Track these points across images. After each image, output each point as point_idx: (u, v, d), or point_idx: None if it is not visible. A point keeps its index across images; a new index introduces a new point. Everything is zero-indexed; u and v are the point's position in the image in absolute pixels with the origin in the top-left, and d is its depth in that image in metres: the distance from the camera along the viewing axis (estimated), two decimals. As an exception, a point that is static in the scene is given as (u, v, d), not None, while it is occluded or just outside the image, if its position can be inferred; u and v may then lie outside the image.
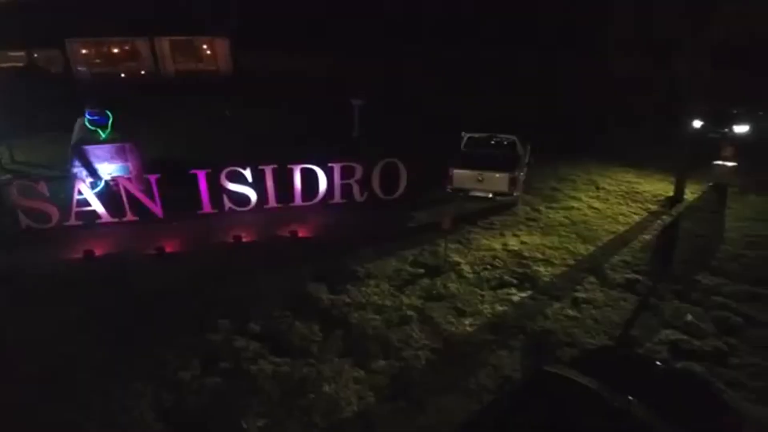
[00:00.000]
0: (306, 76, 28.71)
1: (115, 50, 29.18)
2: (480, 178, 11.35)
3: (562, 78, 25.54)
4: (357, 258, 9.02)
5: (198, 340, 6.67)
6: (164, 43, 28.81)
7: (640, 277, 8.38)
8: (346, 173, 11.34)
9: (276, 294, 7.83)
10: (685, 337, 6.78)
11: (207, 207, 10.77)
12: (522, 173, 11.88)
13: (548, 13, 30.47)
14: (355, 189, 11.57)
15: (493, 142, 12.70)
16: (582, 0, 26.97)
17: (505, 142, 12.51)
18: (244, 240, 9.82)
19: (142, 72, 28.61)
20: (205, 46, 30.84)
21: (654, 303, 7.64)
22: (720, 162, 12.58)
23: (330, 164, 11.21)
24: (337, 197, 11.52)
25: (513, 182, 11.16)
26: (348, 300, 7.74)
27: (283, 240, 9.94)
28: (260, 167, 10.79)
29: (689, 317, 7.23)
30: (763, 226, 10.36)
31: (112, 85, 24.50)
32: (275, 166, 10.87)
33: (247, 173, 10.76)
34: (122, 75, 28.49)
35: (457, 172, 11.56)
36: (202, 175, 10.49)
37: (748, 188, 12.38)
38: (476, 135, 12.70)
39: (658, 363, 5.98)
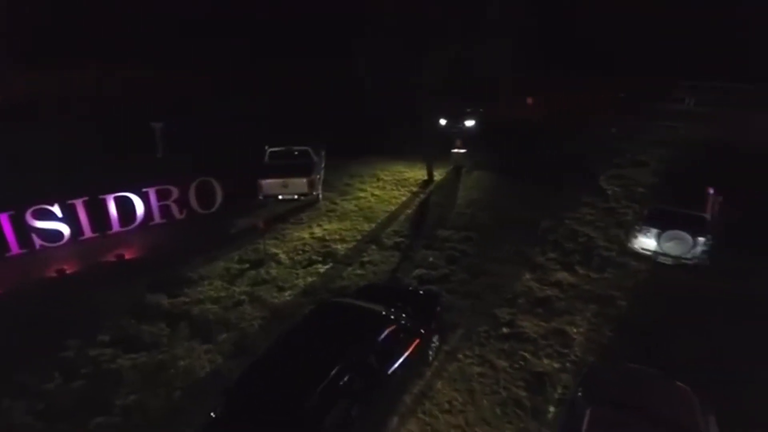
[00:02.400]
0: (102, 93, 26.79)
1: None
2: (285, 184, 13.80)
3: (345, 86, 29.44)
4: (189, 266, 10.57)
5: (52, 360, 7.54)
6: None
7: (403, 239, 12.05)
8: (161, 195, 12.41)
9: (117, 309, 8.96)
10: (427, 271, 10.48)
11: (15, 249, 10.68)
12: (319, 176, 14.75)
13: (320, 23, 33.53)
14: (174, 208, 12.74)
15: (294, 153, 15.20)
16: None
17: (304, 151, 15.16)
18: (68, 272, 10.30)
19: None
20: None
21: (411, 254, 11.30)
22: (455, 150, 17.62)
23: (144, 189, 12.15)
24: (157, 218, 12.51)
25: (311, 184, 13.93)
26: (187, 300, 9.38)
27: (111, 264, 10.75)
28: (69, 202, 11.12)
29: (431, 258, 11.05)
30: (479, 192, 15.39)
31: None
32: (86, 198, 11.33)
33: (56, 209, 10.99)
34: None
35: (265, 182, 13.79)
36: (4, 218, 10.40)
37: (474, 167, 17.69)
38: (276, 148, 15.04)
39: (409, 287, 9.42)
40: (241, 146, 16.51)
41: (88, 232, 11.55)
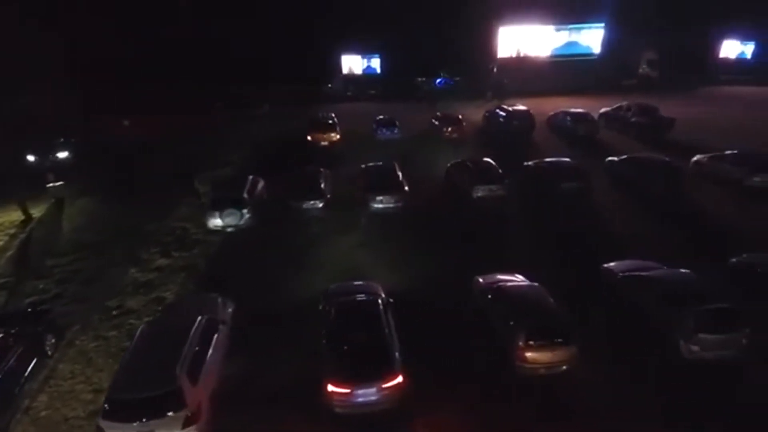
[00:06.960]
0: None
1: None
2: None
3: None
4: None
5: None
6: None
7: (8, 279, 12.92)
8: None
9: None
10: (39, 297, 12.12)
11: None
12: None
13: None
14: None
15: None
16: None
17: None
18: None
19: None
20: None
21: (20, 289, 12.48)
22: (50, 184, 18.16)
23: None
24: None
25: None
26: None
27: None
28: None
29: (41, 286, 12.63)
30: (83, 217, 17.07)
31: None
32: None
33: None
34: None
35: None
36: None
37: (77, 196, 18.83)
38: None
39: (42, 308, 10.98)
40: None
41: None
